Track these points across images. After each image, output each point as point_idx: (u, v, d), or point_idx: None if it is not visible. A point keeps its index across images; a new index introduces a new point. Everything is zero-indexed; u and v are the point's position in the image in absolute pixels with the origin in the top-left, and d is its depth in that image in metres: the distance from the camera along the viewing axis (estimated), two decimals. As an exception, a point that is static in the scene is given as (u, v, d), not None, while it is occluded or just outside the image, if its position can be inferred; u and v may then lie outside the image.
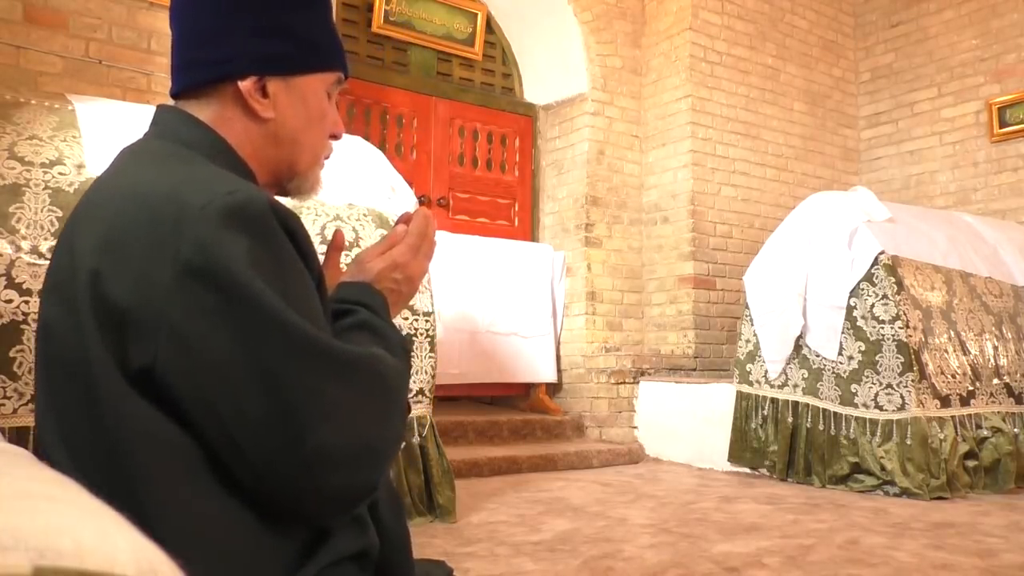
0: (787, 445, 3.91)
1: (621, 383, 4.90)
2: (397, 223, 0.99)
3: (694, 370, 4.99)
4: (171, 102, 0.93)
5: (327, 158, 0.99)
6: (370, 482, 0.78)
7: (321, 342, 0.74)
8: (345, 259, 2.47)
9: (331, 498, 0.75)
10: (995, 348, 3.97)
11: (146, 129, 0.91)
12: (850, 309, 3.73)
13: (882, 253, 3.69)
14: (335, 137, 0.98)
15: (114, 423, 0.72)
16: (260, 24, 0.89)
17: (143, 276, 0.72)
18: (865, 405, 3.66)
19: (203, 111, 0.89)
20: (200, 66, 0.89)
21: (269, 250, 0.75)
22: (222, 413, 0.71)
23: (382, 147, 4.70)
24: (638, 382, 4.91)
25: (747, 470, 4.15)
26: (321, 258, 0.90)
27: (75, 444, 0.75)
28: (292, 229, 0.79)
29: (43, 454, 0.79)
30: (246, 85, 0.88)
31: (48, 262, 0.86)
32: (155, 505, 0.71)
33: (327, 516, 0.78)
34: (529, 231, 5.48)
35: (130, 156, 0.87)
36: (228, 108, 0.89)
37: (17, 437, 2.06)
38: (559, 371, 5.12)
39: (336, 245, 1.05)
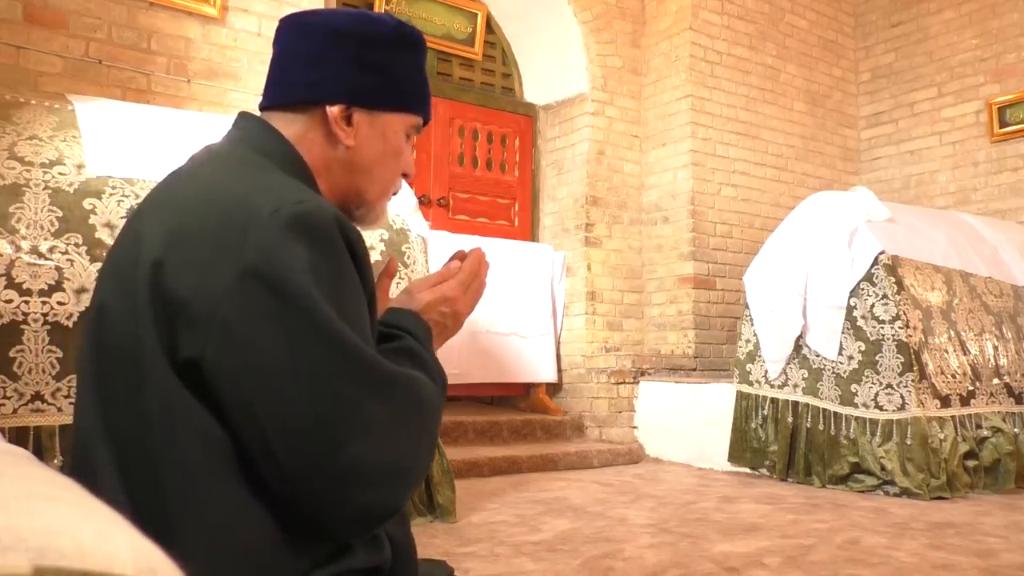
0: (787, 445, 3.91)
1: (621, 383, 4.90)
2: (451, 259, 1.02)
3: (694, 370, 4.99)
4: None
5: (395, 194, 1.03)
6: (394, 503, 0.78)
7: (368, 357, 0.75)
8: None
9: (355, 514, 0.76)
10: (995, 348, 3.97)
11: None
12: (850, 309, 3.73)
13: (882, 253, 3.69)
14: (406, 176, 1.02)
15: (156, 410, 0.73)
16: (359, 58, 0.93)
17: (206, 272, 0.74)
18: (865, 405, 3.66)
19: (287, 127, 0.92)
20: (295, 86, 0.93)
21: (329, 262, 0.77)
22: (262, 415, 0.72)
23: (382, 147, 4.70)
24: (638, 382, 4.91)
25: (747, 470, 4.15)
26: None
27: (115, 427, 0.76)
28: (354, 245, 0.81)
29: (77, 436, 0.80)
30: (334, 112, 0.92)
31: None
32: (181, 495, 0.72)
33: (348, 531, 0.78)
34: (529, 231, 5.48)
35: (207, 156, 0.90)
36: (312, 130, 0.93)
37: (17, 437, 2.06)
38: (559, 371, 5.12)
39: (388, 272, 1.07)
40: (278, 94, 0.95)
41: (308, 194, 0.81)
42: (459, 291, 0.99)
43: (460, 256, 1.02)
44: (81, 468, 0.78)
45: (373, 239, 2.86)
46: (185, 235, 0.77)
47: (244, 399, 0.72)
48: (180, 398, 0.73)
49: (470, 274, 1.00)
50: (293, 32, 0.95)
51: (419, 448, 0.81)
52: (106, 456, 0.75)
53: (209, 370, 0.73)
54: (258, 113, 0.96)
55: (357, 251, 0.81)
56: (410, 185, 3.32)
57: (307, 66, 0.93)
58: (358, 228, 1.01)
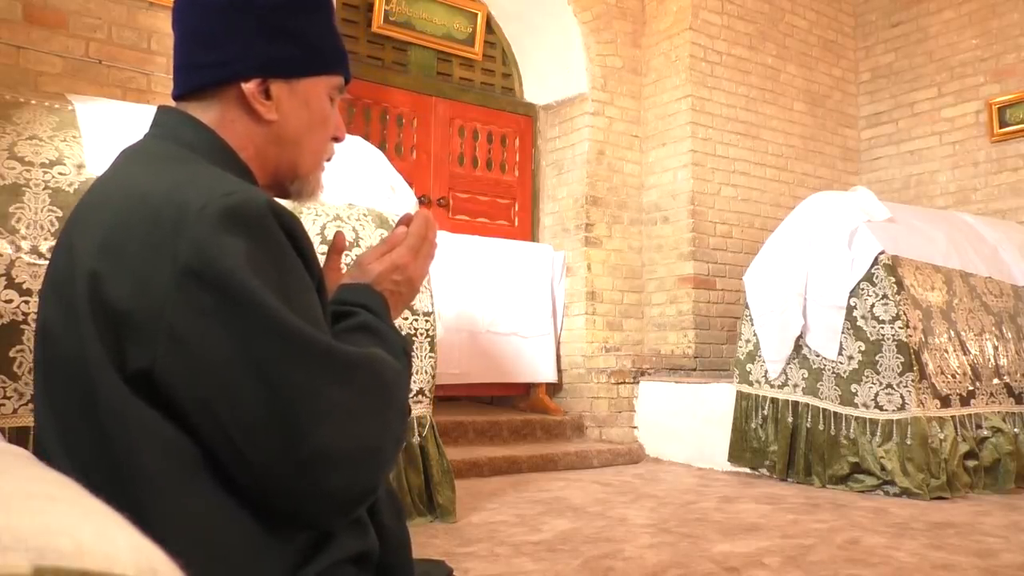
0: (787, 445, 3.91)
1: (621, 383, 4.90)
2: (397, 225, 1.00)
3: (694, 370, 4.98)
4: (170, 103, 0.93)
5: (328, 160, 0.99)
6: (370, 484, 0.77)
7: (319, 343, 0.74)
8: (346, 259, 2.46)
9: (330, 500, 0.75)
10: (995, 348, 3.97)
11: (146, 129, 0.91)
12: (850, 309, 3.73)
13: (882, 253, 3.69)
14: (337, 140, 0.98)
15: (112, 424, 0.72)
16: (264, 27, 0.89)
17: (142, 278, 0.72)
18: (865, 405, 3.66)
19: (205, 113, 0.89)
20: (203, 68, 0.89)
21: (267, 251, 0.75)
22: (220, 414, 0.71)
23: (382, 147, 4.70)
24: (638, 382, 4.91)
25: (747, 470, 4.15)
26: (321, 259, 0.90)
27: (74, 444, 0.75)
28: (291, 230, 0.78)
29: (42, 454, 0.79)
30: (249, 87, 0.88)
31: (48, 262, 0.86)
32: (153, 506, 0.71)
33: (327, 518, 0.77)
34: (529, 231, 5.48)
35: (129, 157, 0.87)
36: (231, 110, 0.89)
37: (17, 437, 2.06)
38: (559, 371, 5.12)
39: (337, 247, 1.04)
40: (188, 80, 0.90)
41: (236, 184, 0.78)
42: (409, 256, 0.96)
43: (406, 221, 1.00)
44: None
45: (373, 238, 2.86)
46: (116, 242, 0.75)
47: (201, 401, 0.71)
48: (134, 409, 0.72)
49: (418, 237, 0.97)
50: (189, 10, 0.90)
51: (387, 426, 0.79)
52: (68, 469, 0.73)
53: (161, 377, 0.71)
54: (174, 104, 0.92)
55: (296, 236, 0.79)
56: (409, 178, 3.32)
57: (210, 45, 0.88)
58: (301, 201, 0.98)
